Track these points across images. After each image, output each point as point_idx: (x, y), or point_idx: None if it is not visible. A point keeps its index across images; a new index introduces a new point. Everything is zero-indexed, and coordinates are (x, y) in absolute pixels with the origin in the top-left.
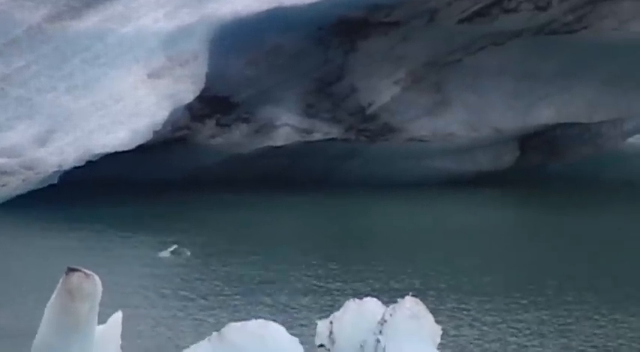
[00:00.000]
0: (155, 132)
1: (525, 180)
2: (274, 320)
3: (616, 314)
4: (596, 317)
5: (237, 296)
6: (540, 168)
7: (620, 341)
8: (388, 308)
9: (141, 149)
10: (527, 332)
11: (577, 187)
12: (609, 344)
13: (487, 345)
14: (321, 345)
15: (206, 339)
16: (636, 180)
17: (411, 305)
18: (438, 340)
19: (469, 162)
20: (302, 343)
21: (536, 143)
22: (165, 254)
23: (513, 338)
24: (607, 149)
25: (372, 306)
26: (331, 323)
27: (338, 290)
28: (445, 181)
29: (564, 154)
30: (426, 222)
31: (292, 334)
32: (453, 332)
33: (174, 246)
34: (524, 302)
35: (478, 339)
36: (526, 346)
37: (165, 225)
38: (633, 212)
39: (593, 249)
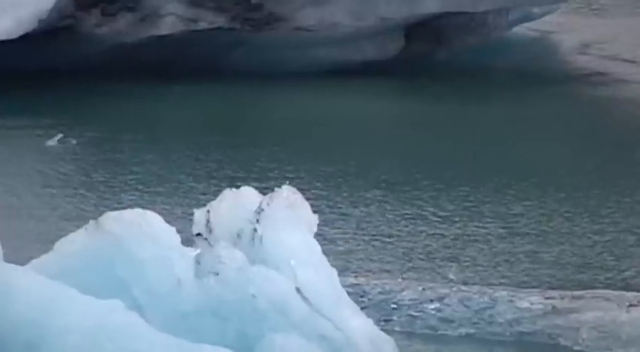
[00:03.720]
0: (40, 21)
1: (411, 70)
2: (154, 209)
3: (535, 198)
4: (511, 201)
5: (120, 186)
6: (426, 58)
7: (546, 226)
8: (265, 198)
9: (26, 38)
10: (426, 221)
11: (463, 76)
12: (533, 230)
13: (372, 231)
14: (199, 234)
15: (83, 228)
16: (521, 68)
17: (287, 195)
18: (315, 229)
19: (354, 52)
20: (179, 232)
21: (422, 32)
22: (52, 143)
23: (404, 226)
24: (493, 38)
25: (249, 195)
26: (208, 212)
27: (219, 179)
28: (330, 70)
29: (450, 43)
30: (312, 111)
31: (170, 223)
32: (334, 224)
33: (60, 135)
34: (425, 189)
35: (365, 227)
36: (421, 232)
37: (52, 114)
38: (519, 99)
39: (485, 137)
